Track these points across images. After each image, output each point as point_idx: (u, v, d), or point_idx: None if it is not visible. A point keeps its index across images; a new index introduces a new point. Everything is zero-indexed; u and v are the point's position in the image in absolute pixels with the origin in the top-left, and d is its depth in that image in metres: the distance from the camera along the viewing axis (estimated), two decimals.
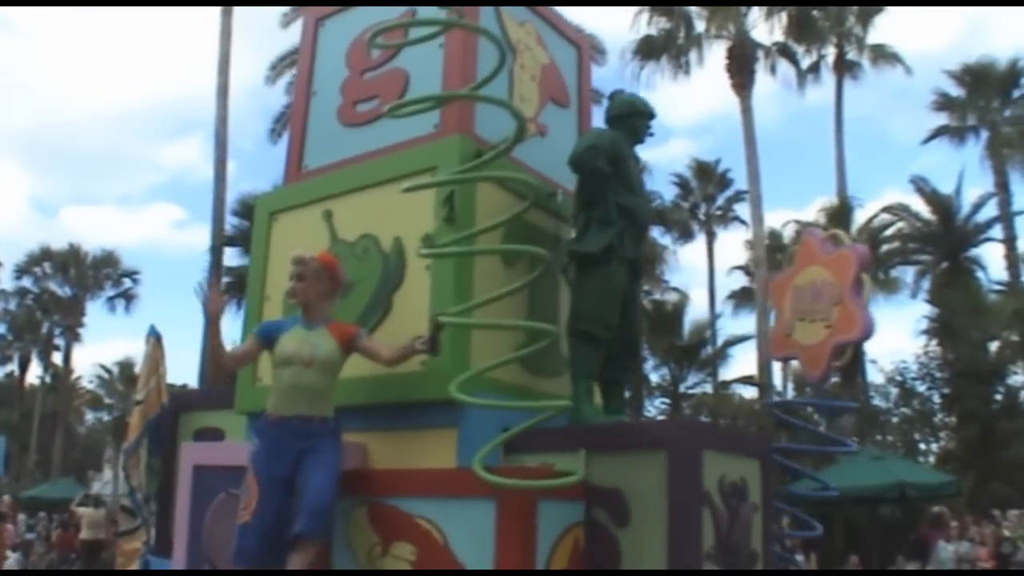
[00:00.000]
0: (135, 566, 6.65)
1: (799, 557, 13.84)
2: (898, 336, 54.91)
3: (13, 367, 52.52)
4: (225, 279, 22.72)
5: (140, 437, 6.72)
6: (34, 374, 52.28)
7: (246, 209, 27.25)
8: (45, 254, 47.72)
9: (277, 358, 4.47)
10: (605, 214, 4.91)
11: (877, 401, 22.35)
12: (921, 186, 30.25)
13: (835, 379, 32.50)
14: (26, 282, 48.32)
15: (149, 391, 6.87)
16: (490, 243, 4.72)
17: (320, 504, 4.13)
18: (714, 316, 29.32)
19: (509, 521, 3.94)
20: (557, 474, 4.13)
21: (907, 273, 30.32)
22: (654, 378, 21.76)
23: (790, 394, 36.38)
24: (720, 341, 25.24)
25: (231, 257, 26.17)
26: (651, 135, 5.30)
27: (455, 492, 4.12)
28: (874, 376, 27.62)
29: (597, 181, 4.89)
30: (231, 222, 24.85)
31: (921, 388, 20.31)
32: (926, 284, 29.60)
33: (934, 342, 20.81)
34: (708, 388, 22.86)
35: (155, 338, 7.13)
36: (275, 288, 5.32)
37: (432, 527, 4.11)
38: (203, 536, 4.91)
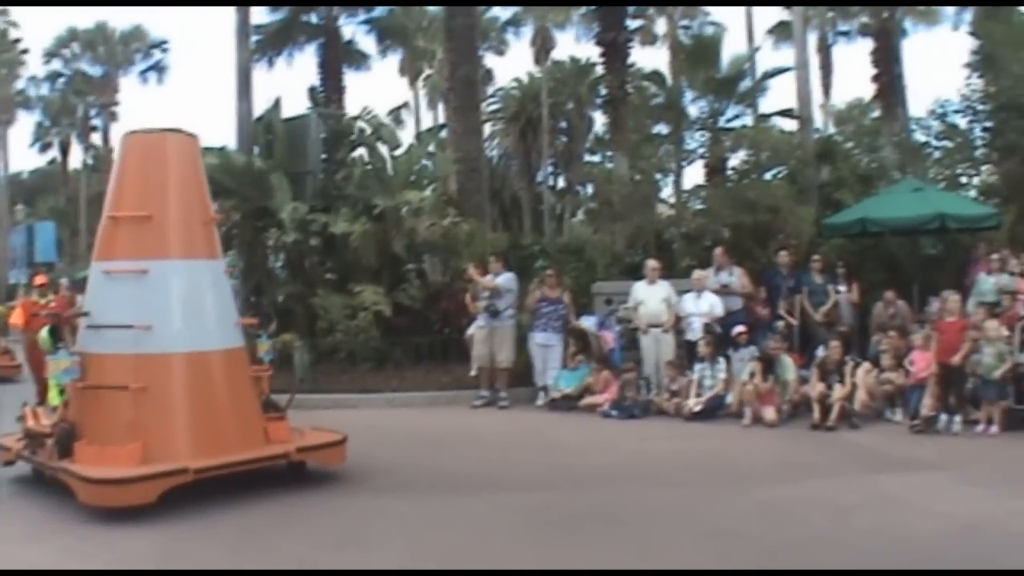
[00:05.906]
0: None
1: (842, 287, 14.02)
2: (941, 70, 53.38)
3: (55, 153, 53.04)
4: (255, 37, 22.26)
5: None
6: (76, 158, 52.82)
7: None
8: (72, 35, 47.19)
9: None
10: None
11: (919, 135, 21.97)
12: None
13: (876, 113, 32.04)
14: (56, 65, 48.10)
15: None
16: None
17: None
18: (753, 49, 28.60)
19: None
20: None
21: None
22: (692, 111, 21.39)
23: (830, 129, 36.05)
24: (759, 74, 24.73)
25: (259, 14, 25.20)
26: None
27: None
28: (917, 110, 27.04)
29: None
30: None
31: (962, 121, 19.88)
32: (967, 16, 28.60)
33: (976, 75, 20.12)
34: (748, 121, 22.50)
35: None
36: None
37: None
38: None
